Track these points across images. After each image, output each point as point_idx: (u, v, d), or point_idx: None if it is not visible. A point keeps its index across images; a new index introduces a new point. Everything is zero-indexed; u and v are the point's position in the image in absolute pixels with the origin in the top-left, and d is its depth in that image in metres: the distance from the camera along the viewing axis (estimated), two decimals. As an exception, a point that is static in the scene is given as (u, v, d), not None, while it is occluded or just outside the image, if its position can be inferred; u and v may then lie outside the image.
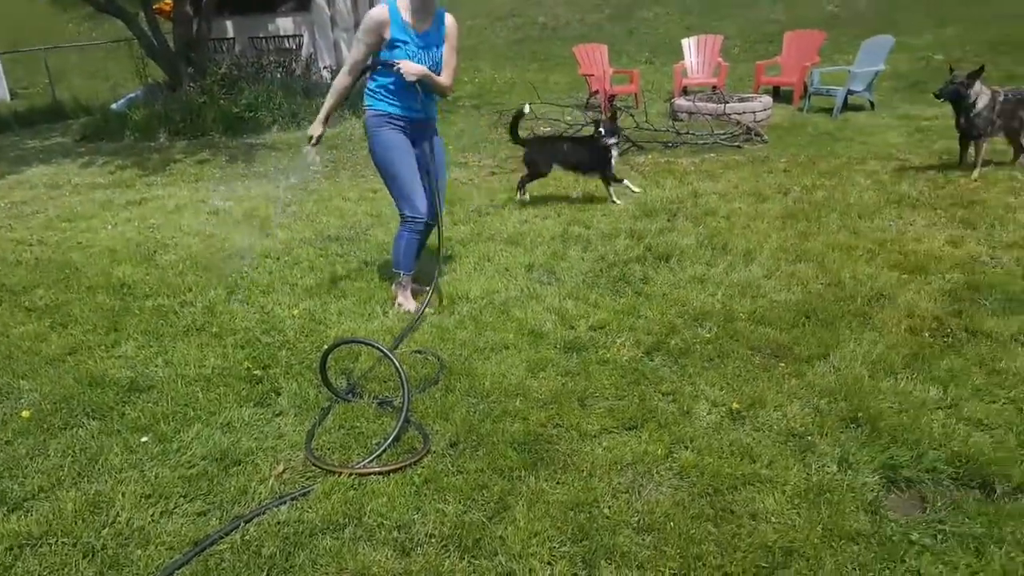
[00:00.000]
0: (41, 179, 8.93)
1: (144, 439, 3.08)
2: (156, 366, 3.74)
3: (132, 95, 12.88)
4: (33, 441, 3.11)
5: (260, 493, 2.72)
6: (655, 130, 8.71)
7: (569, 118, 9.68)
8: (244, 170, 8.90)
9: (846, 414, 2.99)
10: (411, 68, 3.92)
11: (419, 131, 4.20)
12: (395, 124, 4.11)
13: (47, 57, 16.99)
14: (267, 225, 6.31)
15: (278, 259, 5.40)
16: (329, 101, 4.24)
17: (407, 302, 4.36)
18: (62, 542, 2.47)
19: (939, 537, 2.33)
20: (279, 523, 2.54)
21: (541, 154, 6.45)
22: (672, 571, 2.26)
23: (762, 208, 5.81)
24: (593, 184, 6.71)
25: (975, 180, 6.27)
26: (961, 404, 3.02)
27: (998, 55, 12.82)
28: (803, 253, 4.78)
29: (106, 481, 2.81)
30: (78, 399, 3.40)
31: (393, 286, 4.41)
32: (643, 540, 2.39)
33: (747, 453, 2.78)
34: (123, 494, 2.71)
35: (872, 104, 10.38)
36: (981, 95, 6.20)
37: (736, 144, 8.34)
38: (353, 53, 4.12)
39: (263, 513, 2.59)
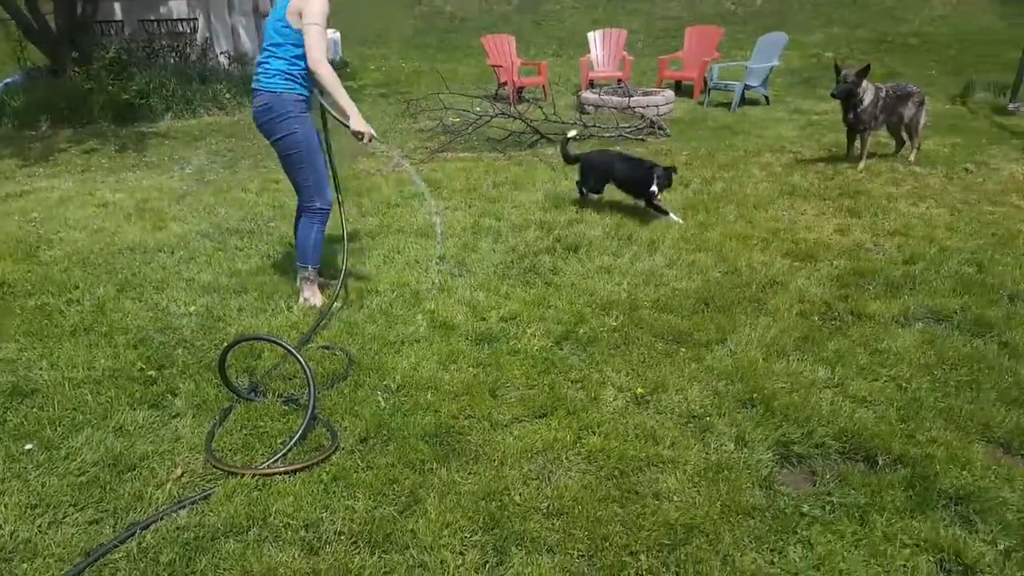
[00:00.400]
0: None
1: (28, 446, 2.90)
2: (40, 369, 3.51)
3: (9, 80, 11.94)
4: (-100, 454, 2.87)
5: (157, 499, 2.61)
6: (563, 122, 8.82)
7: (479, 109, 9.66)
8: (135, 160, 8.43)
9: (742, 395, 3.14)
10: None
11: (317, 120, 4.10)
12: (309, 113, 3.96)
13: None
14: (161, 219, 6.00)
15: (172, 253, 5.15)
16: (346, 98, 3.89)
17: (314, 297, 4.24)
18: (-64, 560, 2.30)
19: (827, 508, 2.49)
20: (178, 528, 2.45)
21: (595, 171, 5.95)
22: (580, 553, 2.32)
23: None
24: (501, 175, 6.73)
25: (861, 172, 6.68)
26: (847, 383, 3.23)
27: (881, 53, 13.70)
28: (703, 243, 4.97)
29: None
30: (-48, 407, 3.15)
31: (298, 281, 4.28)
32: (553, 524, 2.44)
33: (651, 435, 2.88)
34: (5, 505, 2.56)
35: (767, 99, 10.87)
36: (867, 91, 6.59)
37: (640, 137, 8.56)
38: (324, 40, 3.76)
39: (161, 519, 2.49)
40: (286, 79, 3.84)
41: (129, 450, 2.87)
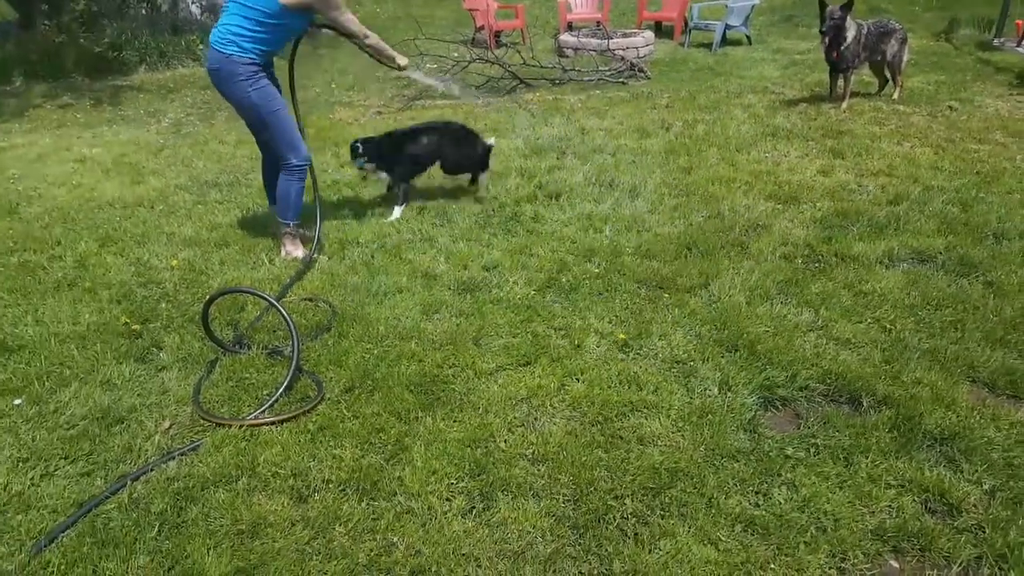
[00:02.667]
0: None
1: (17, 401, 2.92)
2: (26, 325, 3.51)
3: (-23, 34, 11.54)
4: None
5: (147, 450, 2.64)
6: (542, 67, 8.66)
7: (456, 54, 9.44)
8: (111, 114, 8.24)
9: (726, 340, 3.15)
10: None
11: (270, 72, 3.97)
12: (264, 72, 3.86)
13: None
14: (139, 173, 5.88)
15: (152, 208, 5.06)
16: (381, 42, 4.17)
17: (296, 249, 4.20)
18: (-71, 514, 2.33)
19: (812, 450, 2.52)
20: (168, 479, 2.48)
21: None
22: (566, 497, 2.35)
23: (646, 144, 5.93)
24: (481, 123, 6.62)
25: (844, 111, 6.62)
26: (831, 325, 3.23)
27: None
28: (685, 187, 4.94)
29: None
30: (-64, 365, 3.16)
31: (280, 234, 4.23)
32: (538, 470, 2.46)
33: (634, 381, 2.89)
34: None
35: (749, 39, 10.70)
36: (850, 28, 6.47)
37: (621, 80, 8.42)
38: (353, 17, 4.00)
39: (151, 470, 2.52)
40: (240, 44, 3.73)
41: (117, 403, 2.89)
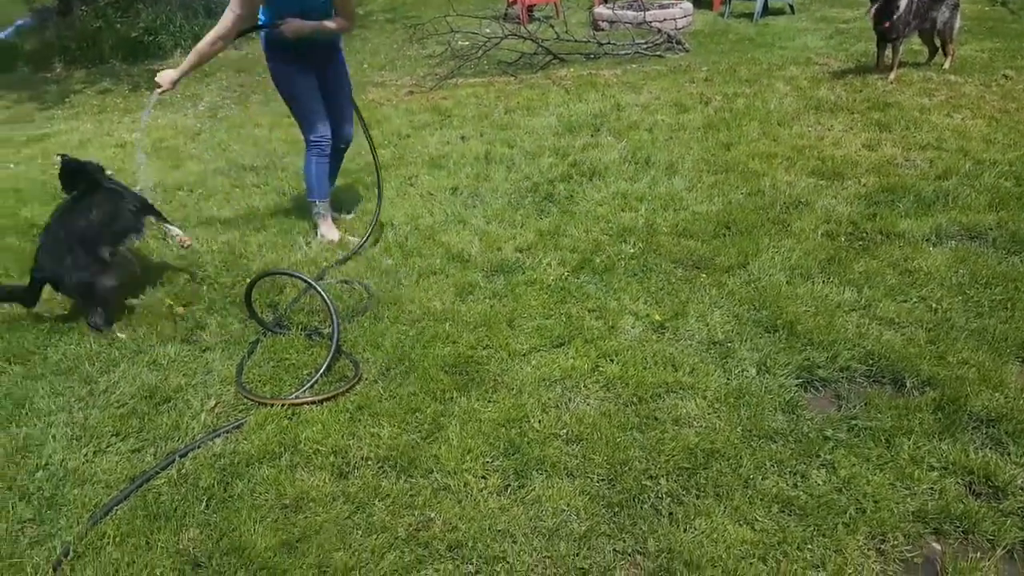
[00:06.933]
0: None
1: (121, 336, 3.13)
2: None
3: (20, 22, 11.84)
4: (-46, 389, 3.05)
5: (193, 428, 2.73)
6: (576, 41, 8.53)
7: (488, 31, 9.36)
8: (149, 99, 8.36)
9: (764, 320, 3.09)
10: (295, 28, 3.68)
11: (316, 53, 3.95)
12: (290, 50, 3.87)
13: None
14: (177, 158, 5.99)
15: (191, 192, 5.16)
16: (190, 60, 3.82)
17: (330, 232, 4.24)
18: (-5, 486, 2.47)
19: (852, 431, 2.47)
20: (215, 455, 2.56)
21: None
22: (600, 477, 2.35)
23: (684, 119, 5.81)
24: (513, 101, 6.58)
25: (891, 82, 6.40)
26: (874, 304, 3.15)
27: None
28: (724, 163, 4.84)
29: (35, 424, 2.80)
30: (-3, 345, 3.32)
31: (313, 215, 4.28)
32: (572, 450, 2.47)
33: (670, 362, 2.86)
34: (53, 436, 2.71)
35: (792, 8, 10.37)
36: (902, -4, 6.22)
37: (657, 53, 8.26)
38: (222, 21, 3.72)
39: (198, 447, 2.61)
40: (265, 22, 3.84)
41: (164, 383, 2.99)
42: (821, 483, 2.27)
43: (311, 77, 3.95)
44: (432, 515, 2.26)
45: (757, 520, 2.16)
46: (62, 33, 10.49)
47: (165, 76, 3.79)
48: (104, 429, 2.74)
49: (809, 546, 2.07)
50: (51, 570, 2.13)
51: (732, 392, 2.68)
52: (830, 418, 2.55)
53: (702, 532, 2.13)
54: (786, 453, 2.39)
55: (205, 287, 3.74)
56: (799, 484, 2.28)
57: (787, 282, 3.37)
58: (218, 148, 6.16)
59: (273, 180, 5.27)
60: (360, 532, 2.22)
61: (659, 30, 8.77)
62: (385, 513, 2.28)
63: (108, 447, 2.66)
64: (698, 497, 2.25)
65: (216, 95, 8.23)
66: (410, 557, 2.13)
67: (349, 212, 4.59)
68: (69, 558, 2.17)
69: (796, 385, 2.71)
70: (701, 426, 2.53)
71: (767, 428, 2.49)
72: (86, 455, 2.62)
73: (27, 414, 2.87)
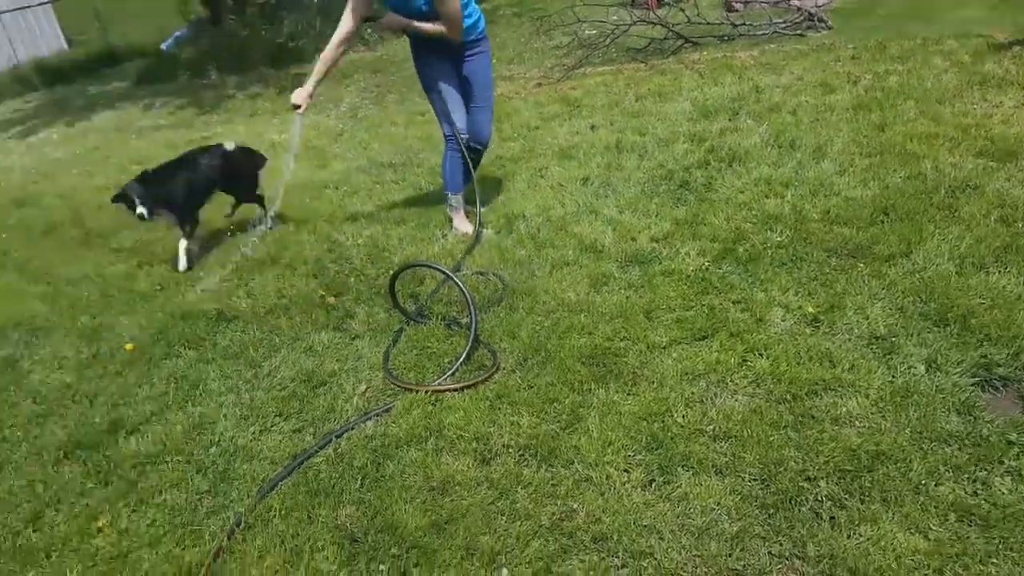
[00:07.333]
0: (108, 124, 9.19)
1: (237, 367, 3.33)
2: (239, 297, 3.95)
3: (178, 33, 12.91)
4: (139, 371, 3.42)
5: (347, 411, 2.88)
6: (708, 23, 8.23)
7: (615, 18, 9.21)
8: (294, 122, 8.89)
9: (933, 313, 2.84)
10: (388, 22, 3.84)
11: (449, 52, 4.02)
12: (423, 46, 4.03)
13: (95, 1, 17.05)
14: (323, 157, 6.32)
15: (337, 189, 5.44)
16: (318, 69, 4.01)
17: (462, 224, 4.33)
18: (176, 459, 2.75)
19: (1042, 437, 2.22)
20: (367, 437, 2.69)
21: None
22: (752, 476, 2.25)
23: (831, 100, 5.46)
24: (644, 87, 6.43)
25: (1070, 52, 5.73)
26: (1060, 296, 2.82)
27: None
28: (879, 145, 4.49)
29: (208, 404, 3.07)
30: (173, 331, 3.69)
31: (447, 208, 4.39)
32: (720, 447, 2.38)
33: (826, 358, 2.69)
34: (224, 415, 2.96)
35: (950, -23, 9.53)
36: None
37: (798, 32, 7.82)
38: (342, 24, 3.89)
39: (352, 428, 2.75)
40: None
41: (320, 368, 3.17)
42: (1006, 492, 2.06)
43: (446, 74, 4.04)
44: (575, 506, 2.24)
45: (931, 529, 1.98)
46: (215, 42, 11.32)
47: (299, 95, 4.02)
48: (268, 409, 2.95)
49: (994, 560, 1.88)
50: (225, 538, 2.30)
51: (898, 391, 2.47)
52: (1014, 421, 2.30)
53: (868, 539, 1.98)
54: (963, 458, 2.19)
55: (352, 279, 3.92)
56: (980, 492, 2.07)
57: (957, 272, 3.08)
58: (359, 147, 6.44)
59: (410, 176, 5.46)
60: (504, 518, 2.24)
61: (799, 8, 8.30)
62: (528, 501, 2.29)
63: (272, 426, 2.86)
64: (862, 502, 2.10)
65: (355, 96, 8.61)
66: (555, 546, 2.13)
67: (483, 205, 4.66)
68: (241, 528, 2.34)
69: (972, 384, 2.47)
70: (864, 426, 2.36)
71: (940, 430, 2.29)
72: (253, 433, 2.83)
73: (201, 395, 3.15)
